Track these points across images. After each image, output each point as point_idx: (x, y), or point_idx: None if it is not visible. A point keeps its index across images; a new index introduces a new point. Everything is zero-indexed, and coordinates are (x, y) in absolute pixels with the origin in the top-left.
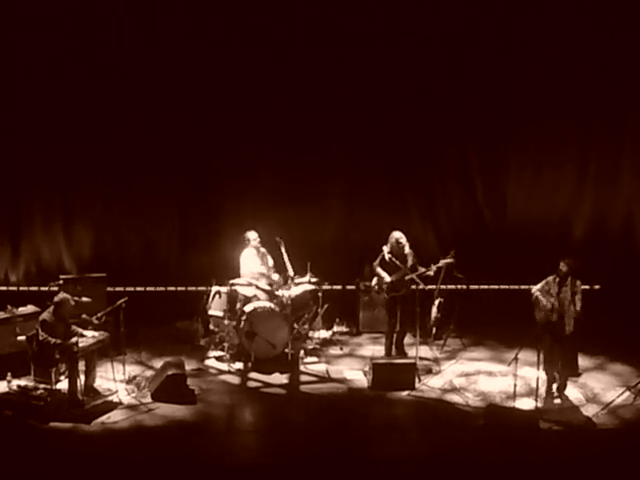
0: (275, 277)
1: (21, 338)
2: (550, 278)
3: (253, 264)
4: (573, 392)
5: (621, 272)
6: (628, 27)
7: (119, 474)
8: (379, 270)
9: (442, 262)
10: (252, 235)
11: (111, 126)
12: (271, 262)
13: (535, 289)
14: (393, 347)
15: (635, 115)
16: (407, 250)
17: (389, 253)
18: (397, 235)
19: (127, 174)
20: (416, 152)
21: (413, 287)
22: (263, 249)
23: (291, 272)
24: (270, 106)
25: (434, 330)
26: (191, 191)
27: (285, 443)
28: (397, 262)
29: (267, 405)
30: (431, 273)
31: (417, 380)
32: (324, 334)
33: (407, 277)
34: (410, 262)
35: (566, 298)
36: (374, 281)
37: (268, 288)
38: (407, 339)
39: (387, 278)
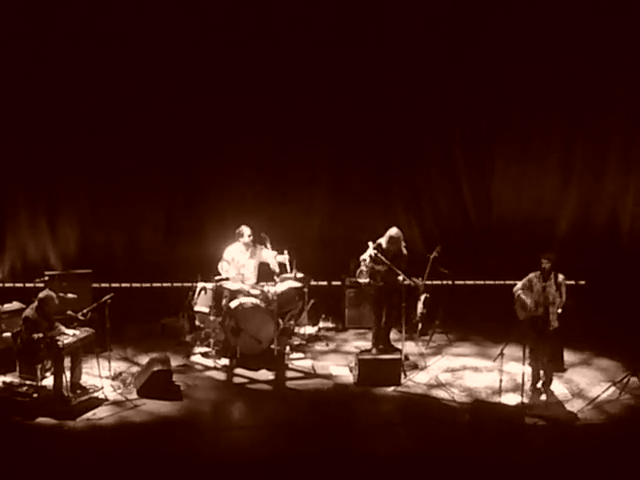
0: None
1: (6, 335)
2: (532, 275)
3: (231, 261)
4: (559, 387)
5: (606, 267)
6: (612, 23)
7: (105, 470)
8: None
9: (418, 282)
10: (246, 231)
11: (96, 122)
12: (272, 256)
13: (517, 288)
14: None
15: (620, 112)
16: (402, 249)
17: (375, 249)
18: (393, 231)
19: (112, 170)
20: (401, 149)
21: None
22: (260, 246)
23: (277, 268)
24: (255, 103)
25: (420, 326)
26: (176, 188)
27: (271, 439)
28: (382, 257)
29: (253, 401)
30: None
31: (403, 376)
32: (310, 330)
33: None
34: (401, 262)
35: (550, 293)
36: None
37: (236, 288)
38: (393, 335)
39: (367, 260)
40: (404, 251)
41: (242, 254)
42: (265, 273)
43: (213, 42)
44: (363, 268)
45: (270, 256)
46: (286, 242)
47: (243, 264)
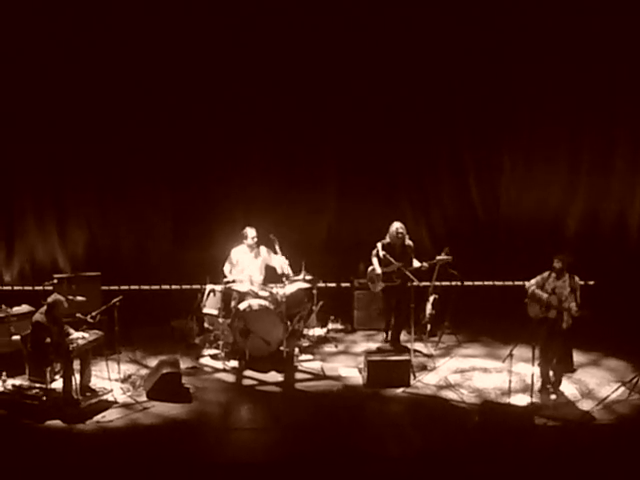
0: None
1: (16, 338)
2: (545, 274)
3: (235, 263)
4: (568, 388)
5: (615, 267)
6: (617, 23)
7: (114, 473)
8: (374, 260)
9: (437, 258)
10: (250, 233)
11: (104, 125)
12: (280, 261)
13: (530, 284)
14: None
15: (626, 111)
16: (407, 242)
17: (383, 249)
18: (397, 225)
19: (120, 173)
20: (409, 149)
21: (411, 283)
22: (263, 248)
23: (286, 271)
24: (262, 105)
25: (429, 327)
26: (184, 190)
27: (280, 441)
28: (390, 259)
29: (262, 403)
30: (426, 265)
31: (412, 377)
32: (319, 332)
33: (400, 272)
34: (407, 256)
35: (562, 294)
36: (368, 269)
37: (245, 290)
38: (402, 336)
39: (378, 270)
40: (409, 243)
41: (246, 255)
42: (272, 275)
43: (219, 49)
44: (374, 277)
45: (278, 261)
46: (295, 244)
47: (248, 265)
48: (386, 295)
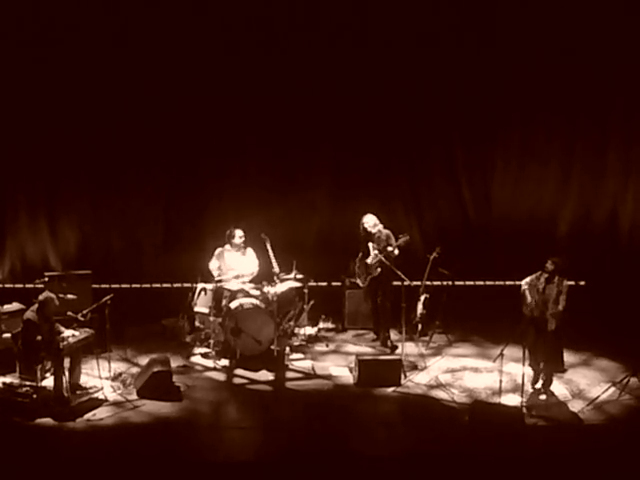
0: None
1: (6, 335)
2: (538, 273)
3: (221, 262)
4: (559, 388)
5: (606, 268)
6: (613, 23)
7: (104, 471)
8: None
9: (401, 241)
10: (237, 233)
11: (97, 124)
12: (256, 262)
13: (524, 282)
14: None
15: (619, 112)
16: (378, 230)
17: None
18: (363, 218)
19: (113, 172)
20: (401, 149)
21: (403, 282)
22: (250, 249)
23: (277, 269)
24: (255, 104)
25: (420, 326)
26: (176, 188)
27: (271, 440)
28: (383, 258)
29: (253, 402)
30: (390, 249)
31: (403, 376)
32: (310, 331)
33: (375, 260)
34: (383, 244)
35: (551, 296)
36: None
37: (237, 288)
38: (393, 335)
39: (357, 262)
40: (384, 231)
41: (233, 255)
42: (264, 274)
43: (212, 49)
44: (356, 270)
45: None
46: (286, 243)
47: (236, 265)
48: (370, 288)
